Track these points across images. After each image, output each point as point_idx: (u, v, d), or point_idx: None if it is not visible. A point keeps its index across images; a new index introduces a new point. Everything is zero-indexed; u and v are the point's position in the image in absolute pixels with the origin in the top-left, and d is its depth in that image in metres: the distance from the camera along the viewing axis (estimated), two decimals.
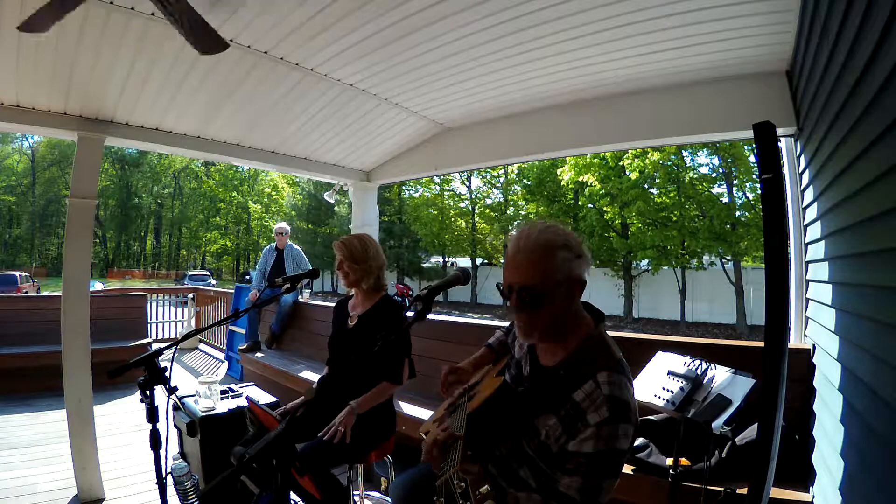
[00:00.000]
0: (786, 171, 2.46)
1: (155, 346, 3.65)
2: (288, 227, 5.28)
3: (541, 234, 1.12)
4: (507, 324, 1.68)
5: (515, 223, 23.86)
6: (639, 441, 2.09)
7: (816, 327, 2.05)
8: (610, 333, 1.23)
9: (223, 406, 2.50)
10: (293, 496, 1.73)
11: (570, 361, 1.14)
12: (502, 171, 24.51)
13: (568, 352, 1.16)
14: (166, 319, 7.55)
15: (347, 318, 2.23)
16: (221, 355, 6.26)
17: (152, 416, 1.46)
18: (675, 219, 17.08)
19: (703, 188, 17.02)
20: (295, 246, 5.23)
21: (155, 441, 1.48)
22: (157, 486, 1.51)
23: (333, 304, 2.48)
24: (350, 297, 2.32)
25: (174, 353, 1.63)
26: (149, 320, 6.12)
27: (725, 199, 17.10)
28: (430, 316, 1.28)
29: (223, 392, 2.65)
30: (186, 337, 1.82)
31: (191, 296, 7.62)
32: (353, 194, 4.82)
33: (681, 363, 1.86)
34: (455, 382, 1.47)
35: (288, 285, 2.00)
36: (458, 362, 1.51)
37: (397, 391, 2.12)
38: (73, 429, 2.71)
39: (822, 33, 1.53)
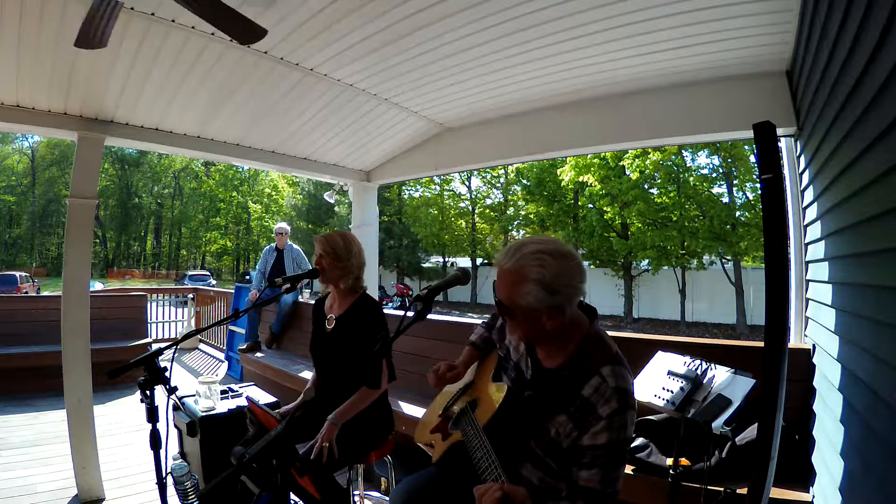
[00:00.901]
0: (786, 171, 2.46)
1: (155, 346, 3.66)
2: (288, 227, 5.28)
3: (519, 260, 1.13)
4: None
5: (515, 223, 23.88)
6: (639, 441, 2.08)
7: (816, 327, 2.05)
8: (610, 333, 1.26)
9: (223, 406, 2.50)
10: (293, 496, 1.73)
11: (573, 362, 1.17)
12: (502, 171, 24.49)
13: (568, 353, 1.19)
14: (166, 319, 7.55)
15: (325, 320, 2.13)
16: (221, 355, 6.26)
17: (152, 416, 1.46)
18: (675, 219, 17.05)
19: (703, 188, 17.00)
20: (295, 246, 5.23)
21: (155, 441, 1.48)
22: (157, 486, 1.50)
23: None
24: (327, 295, 2.22)
25: (174, 353, 1.63)
26: (149, 320, 6.12)
27: (725, 199, 17.08)
28: (429, 316, 1.29)
29: (223, 392, 2.65)
30: (186, 337, 1.82)
31: (191, 296, 7.62)
32: (353, 194, 4.83)
33: (681, 363, 1.86)
34: (453, 379, 1.49)
35: (288, 285, 1.99)
36: (454, 362, 1.53)
37: (394, 393, 2.07)
38: (73, 429, 2.71)
39: (822, 33, 1.53)
